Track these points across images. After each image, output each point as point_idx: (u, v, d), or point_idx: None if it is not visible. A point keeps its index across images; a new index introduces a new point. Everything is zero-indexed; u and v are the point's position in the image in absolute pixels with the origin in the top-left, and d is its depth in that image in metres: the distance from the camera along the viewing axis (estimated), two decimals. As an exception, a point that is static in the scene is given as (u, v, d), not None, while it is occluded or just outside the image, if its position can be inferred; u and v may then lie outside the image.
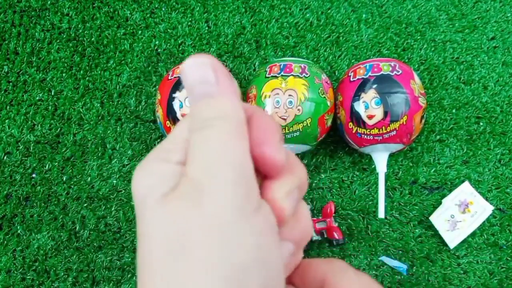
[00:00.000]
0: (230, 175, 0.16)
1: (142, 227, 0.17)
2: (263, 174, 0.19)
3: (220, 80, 0.18)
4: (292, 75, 0.45)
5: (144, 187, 0.17)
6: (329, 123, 0.47)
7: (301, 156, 0.52)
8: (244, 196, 0.16)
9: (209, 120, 0.17)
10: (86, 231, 0.50)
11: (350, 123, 0.46)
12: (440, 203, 0.49)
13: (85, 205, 0.51)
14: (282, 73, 0.45)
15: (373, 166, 0.51)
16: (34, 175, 0.52)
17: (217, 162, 0.16)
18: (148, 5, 0.59)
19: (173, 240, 0.16)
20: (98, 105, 0.54)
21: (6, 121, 0.54)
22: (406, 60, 0.55)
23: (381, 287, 0.19)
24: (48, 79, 0.56)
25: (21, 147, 0.52)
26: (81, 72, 0.56)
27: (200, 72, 0.18)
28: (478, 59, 0.55)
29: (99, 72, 0.56)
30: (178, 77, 0.46)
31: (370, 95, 0.44)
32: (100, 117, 0.54)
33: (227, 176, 0.16)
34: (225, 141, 0.17)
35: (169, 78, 0.47)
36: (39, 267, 0.49)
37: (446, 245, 0.48)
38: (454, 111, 0.53)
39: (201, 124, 0.17)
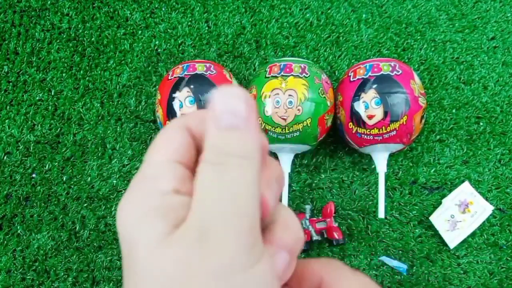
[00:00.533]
0: (244, 225, 0.15)
1: (136, 267, 0.16)
2: None
3: (250, 116, 0.17)
4: (292, 75, 0.45)
5: (135, 225, 0.16)
6: (329, 123, 0.47)
7: (301, 156, 0.52)
8: (251, 246, 0.16)
9: (233, 157, 0.16)
10: (86, 231, 0.50)
11: (350, 123, 0.46)
12: (440, 203, 0.49)
13: (85, 205, 0.51)
14: (282, 73, 0.45)
15: (373, 166, 0.51)
16: (34, 175, 0.52)
17: (233, 208, 0.16)
18: (148, 5, 0.59)
19: (171, 285, 0.15)
20: (98, 105, 0.54)
21: (6, 121, 0.54)
22: (406, 60, 0.55)
23: (378, 286, 0.19)
24: (48, 79, 0.56)
25: (21, 147, 0.52)
26: (81, 72, 0.56)
27: (233, 103, 0.17)
28: (478, 59, 0.55)
29: (99, 72, 0.56)
30: (178, 77, 0.46)
31: (370, 95, 0.44)
32: (100, 117, 0.54)
33: (241, 226, 0.15)
34: (246, 186, 0.16)
35: (169, 78, 0.47)
36: (39, 267, 0.49)
37: (446, 245, 0.48)
38: (454, 111, 0.53)
39: (222, 159, 0.16)
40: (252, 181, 0.16)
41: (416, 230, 0.49)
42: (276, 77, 0.45)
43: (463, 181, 0.50)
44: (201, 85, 0.45)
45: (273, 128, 0.45)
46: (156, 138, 0.19)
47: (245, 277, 0.15)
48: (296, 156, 0.51)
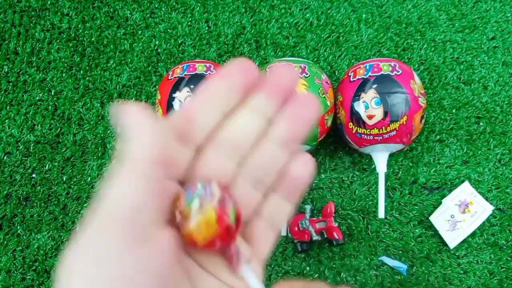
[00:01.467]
0: (118, 216, 0.17)
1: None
2: None
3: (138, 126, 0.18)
4: (292, 75, 0.45)
5: None
6: (329, 123, 0.47)
7: (301, 156, 0.52)
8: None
9: (123, 158, 0.18)
10: (86, 231, 0.50)
11: (350, 123, 0.46)
12: (440, 203, 0.49)
13: (85, 205, 0.51)
14: (282, 73, 0.45)
15: (373, 166, 0.51)
16: (34, 175, 0.52)
17: (113, 201, 0.17)
18: (148, 5, 0.59)
19: None
20: (98, 105, 0.54)
21: (6, 121, 0.54)
22: (406, 60, 0.55)
23: None
24: (48, 79, 0.56)
25: (21, 147, 0.52)
26: (81, 72, 0.56)
27: (132, 118, 0.18)
28: (478, 59, 0.55)
29: (99, 72, 0.56)
30: (178, 77, 0.46)
31: (370, 95, 0.44)
32: (100, 117, 0.54)
33: (117, 216, 0.17)
34: (125, 183, 0.17)
35: (169, 78, 0.47)
36: (39, 267, 0.49)
37: (446, 245, 0.48)
38: (454, 111, 0.53)
39: (119, 157, 0.18)
40: (132, 178, 0.18)
41: (416, 230, 0.49)
42: (276, 77, 0.45)
43: (463, 181, 0.50)
44: (201, 85, 0.45)
45: (273, 128, 0.45)
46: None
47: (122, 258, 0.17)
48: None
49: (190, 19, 0.58)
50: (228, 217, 0.18)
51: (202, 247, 0.18)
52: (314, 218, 0.49)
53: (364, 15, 0.58)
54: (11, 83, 0.56)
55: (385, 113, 0.44)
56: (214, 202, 0.18)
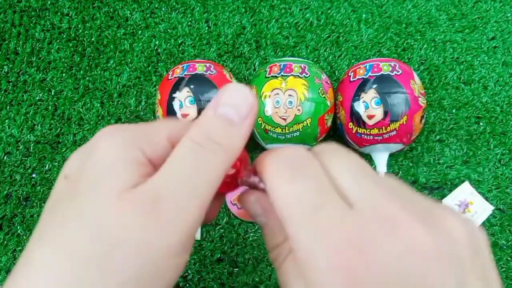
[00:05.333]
0: (193, 209, 0.17)
1: (85, 205, 0.17)
2: None
3: (248, 118, 0.19)
4: (292, 75, 0.45)
5: (110, 164, 0.17)
6: (329, 123, 0.47)
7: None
8: (191, 236, 0.17)
9: (215, 144, 0.18)
10: (86, 231, 0.50)
11: (350, 123, 0.46)
12: (440, 203, 0.49)
13: (85, 205, 0.51)
14: (282, 73, 0.45)
15: (373, 166, 0.51)
16: (34, 175, 0.52)
17: (189, 189, 0.17)
18: (148, 5, 0.59)
19: (106, 239, 0.16)
20: (98, 105, 0.54)
21: (6, 121, 0.54)
22: (406, 60, 0.55)
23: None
24: (48, 79, 0.56)
25: (21, 147, 0.52)
26: (81, 72, 0.56)
27: (239, 100, 0.19)
28: (478, 59, 0.55)
29: (99, 72, 0.56)
30: (178, 77, 0.46)
31: (370, 95, 0.44)
32: (100, 117, 0.54)
33: (190, 208, 0.17)
34: (211, 173, 0.17)
35: (169, 78, 0.47)
36: (39, 267, 0.49)
37: (446, 245, 0.48)
38: (454, 111, 0.53)
39: (204, 141, 0.18)
40: (219, 170, 0.18)
41: (416, 230, 0.49)
42: (276, 77, 0.45)
43: (463, 181, 0.50)
44: (201, 85, 0.45)
45: (273, 128, 0.45)
46: (174, 118, 0.21)
47: (170, 263, 0.16)
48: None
49: (190, 19, 0.58)
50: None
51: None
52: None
53: (364, 15, 0.58)
54: (11, 83, 0.56)
55: (385, 113, 0.44)
56: None
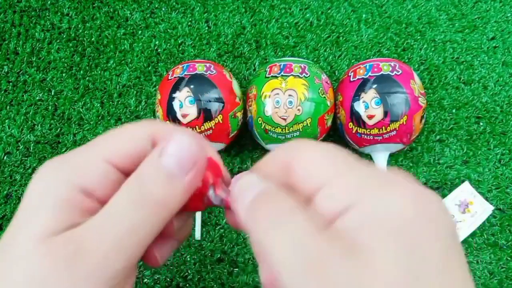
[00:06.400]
0: (118, 261, 0.17)
1: (8, 249, 0.16)
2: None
3: (191, 172, 0.18)
4: (292, 75, 0.45)
5: (30, 209, 0.17)
6: (329, 123, 0.47)
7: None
8: (110, 279, 0.17)
9: (150, 201, 0.17)
10: (86, 231, 0.50)
11: (350, 123, 0.46)
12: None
13: (85, 205, 0.51)
14: (282, 73, 0.45)
15: (373, 166, 0.51)
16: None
17: (115, 242, 0.17)
18: (148, 5, 0.59)
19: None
20: (98, 105, 0.54)
21: (6, 121, 0.54)
22: (406, 60, 0.55)
23: (341, 149, 0.18)
24: (48, 79, 0.56)
25: (21, 147, 0.52)
26: (81, 72, 0.56)
27: (185, 153, 0.18)
28: (478, 59, 0.55)
29: (99, 72, 0.56)
30: (178, 77, 0.46)
31: (370, 95, 0.44)
32: (100, 117, 0.54)
33: (114, 261, 0.16)
34: (142, 226, 0.17)
35: (169, 78, 0.47)
36: (39, 267, 0.49)
37: (446, 245, 0.48)
38: (454, 111, 0.53)
39: (141, 198, 0.17)
40: (151, 226, 0.17)
41: (416, 230, 0.49)
42: (276, 77, 0.45)
43: (463, 181, 0.50)
44: (201, 85, 0.45)
45: (273, 128, 0.45)
46: (116, 130, 0.19)
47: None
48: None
49: (190, 19, 0.58)
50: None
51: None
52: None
53: (364, 15, 0.58)
54: (11, 83, 0.56)
55: (385, 113, 0.44)
56: None
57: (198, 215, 0.47)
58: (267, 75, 0.46)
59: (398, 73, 0.45)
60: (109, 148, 0.19)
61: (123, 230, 0.16)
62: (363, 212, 0.15)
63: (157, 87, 0.54)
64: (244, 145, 0.52)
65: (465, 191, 0.49)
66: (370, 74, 0.45)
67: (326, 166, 0.17)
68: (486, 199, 0.49)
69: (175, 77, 0.46)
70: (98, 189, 0.18)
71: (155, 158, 0.18)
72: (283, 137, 0.45)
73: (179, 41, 0.57)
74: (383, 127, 0.44)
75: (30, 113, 0.54)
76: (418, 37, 0.56)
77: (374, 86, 0.44)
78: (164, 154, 0.18)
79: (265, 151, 0.51)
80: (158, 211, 0.17)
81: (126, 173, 0.19)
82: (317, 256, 0.14)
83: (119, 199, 0.17)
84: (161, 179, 0.17)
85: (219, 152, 0.52)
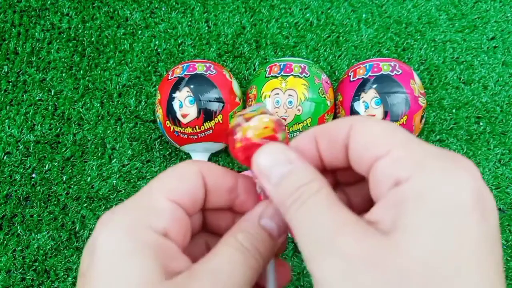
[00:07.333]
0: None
1: None
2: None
3: (283, 234, 0.20)
4: (292, 75, 0.45)
5: (123, 255, 0.16)
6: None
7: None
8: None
9: (257, 252, 0.18)
10: (86, 231, 0.50)
11: (350, 123, 0.46)
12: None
13: (85, 205, 0.51)
14: (282, 73, 0.45)
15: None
16: (34, 175, 0.52)
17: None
18: (148, 5, 0.59)
19: None
20: (98, 105, 0.54)
21: (6, 121, 0.54)
22: (406, 60, 0.55)
23: (402, 128, 0.19)
24: (48, 79, 0.56)
25: (21, 147, 0.52)
26: (81, 72, 0.56)
27: (278, 213, 0.19)
28: (478, 59, 0.55)
29: (99, 72, 0.56)
30: (178, 77, 0.46)
31: (370, 95, 0.44)
32: (100, 117, 0.54)
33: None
34: (249, 274, 0.18)
35: (169, 78, 0.47)
36: (39, 267, 0.49)
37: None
38: (454, 111, 0.53)
39: (251, 248, 0.18)
40: (253, 276, 0.18)
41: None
42: (276, 77, 0.45)
43: (463, 181, 0.50)
44: (201, 85, 0.45)
45: (273, 128, 0.45)
46: (168, 171, 0.19)
47: None
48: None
49: (190, 19, 0.58)
50: (279, 134, 0.21)
51: (247, 151, 0.20)
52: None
53: (364, 15, 0.58)
54: (11, 83, 0.56)
55: (385, 113, 0.44)
56: (274, 118, 0.21)
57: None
58: (267, 75, 0.46)
59: (398, 73, 0.45)
60: (170, 188, 0.19)
61: (232, 280, 0.17)
62: (423, 185, 0.15)
63: (157, 87, 0.54)
64: (244, 145, 0.52)
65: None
66: (370, 74, 0.45)
67: (390, 136, 0.17)
68: (486, 199, 0.49)
69: (175, 77, 0.46)
70: (172, 229, 0.18)
71: (256, 219, 0.19)
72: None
73: (179, 41, 0.57)
74: (383, 127, 0.44)
75: (30, 113, 0.54)
76: (418, 37, 0.56)
77: (374, 86, 0.44)
78: (265, 217, 0.19)
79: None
80: (261, 263, 0.18)
81: (186, 211, 0.19)
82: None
83: (228, 248, 0.18)
84: (266, 237, 0.19)
85: (219, 152, 0.52)
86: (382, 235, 0.15)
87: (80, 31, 0.58)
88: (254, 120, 0.20)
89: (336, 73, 0.55)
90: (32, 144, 0.53)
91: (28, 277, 0.49)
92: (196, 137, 0.46)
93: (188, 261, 0.18)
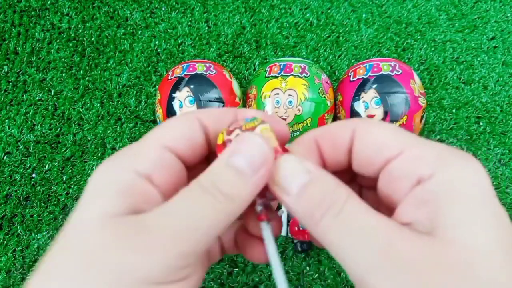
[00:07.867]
0: (182, 247, 0.17)
1: (71, 229, 0.17)
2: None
3: (260, 171, 0.18)
4: (292, 75, 0.45)
5: (97, 190, 0.17)
6: (329, 123, 0.47)
7: (301, 156, 0.52)
8: (179, 267, 0.17)
9: (220, 194, 0.18)
10: (86, 231, 0.50)
11: (350, 123, 0.46)
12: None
13: (85, 205, 0.51)
14: (282, 73, 0.45)
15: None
16: (34, 175, 0.52)
17: (183, 231, 0.17)
18: (148, 5, 0.59)
19: (91, 263, 0.16)
20: (98, 105, 0.54)
21: (6, 121, 0.54)
22: (406, 60, 0.55)
23: (407, 131, 0.19)
24: (48, 79, 0.56)
25: (21, 147, 0.52)
26: (81, 72, 0.56)
27: (253, 151, 0.18)
28: (478, 59, 0.55)
29: (99, 72, 0.56)
30: (178, 77, 0.46)
31: (370, 95, 0.44)
32: (100, 117, 0.54)
33: (181, 247, 0.17)
34: (210, 221, 0.17)
35: (169, 78, 0.47)
36: (39, 267, 0.49)
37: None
38: (454, 111, 0.53)
39: (212, 190, 0.18)
40: (219, 219, 0.17)
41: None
42: (276, 77, 0.45)
43: (463, 181, 0.50)
44: (201, 85, 0.45)
45: (273, 128, 0.45)
46: (166, 120, 0.20)
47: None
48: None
49: (190, 19, 0.58)
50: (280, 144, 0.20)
51: None
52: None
53: (364, 15, 0.58)
54: (11, 83, 0.56)
55: (385, 113, 0.44)
56: (270, 125, 0.20)
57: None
58: (267, 75, 0.46)
59: (398, 73, 0.45)
60: (163, 135, 0.19)
61: (190, 219, 0.17)
62: (450, 180, 0.16)
63: (157, 87, 0.54)
64: (244, 145, 0.52)
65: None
66: (370, 74, 0.45)
67: (399, 137, 0.18)
68: (486, 199, 0.49)
69: (175, 77, 0.46)
70: (157, 174, 0.18)
71: (225, 158, 0.18)
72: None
73: (179, 41, 0.57)
74: (383, 127, 0.44)
75: (30, 113, 0.54)
76: (418, 37, 0.56)
77: (374, 86, 0.44)
78: (234, 154, 0.18)
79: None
80: (227, 205, 0.17)
81: (182, 159, 0.19)
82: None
83: (187, 190, 0.18)
84: (232, 176, 0.18)
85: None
86: (429, 236, 0.15)
87: (80, 31, 0.58)
88: (258, 128, 0.19)
89: (336, 73, 0.55)
90: (32, 144, 0.53)
91: (28, 277, 0.49)
92: (196, 137, 0.46)
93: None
